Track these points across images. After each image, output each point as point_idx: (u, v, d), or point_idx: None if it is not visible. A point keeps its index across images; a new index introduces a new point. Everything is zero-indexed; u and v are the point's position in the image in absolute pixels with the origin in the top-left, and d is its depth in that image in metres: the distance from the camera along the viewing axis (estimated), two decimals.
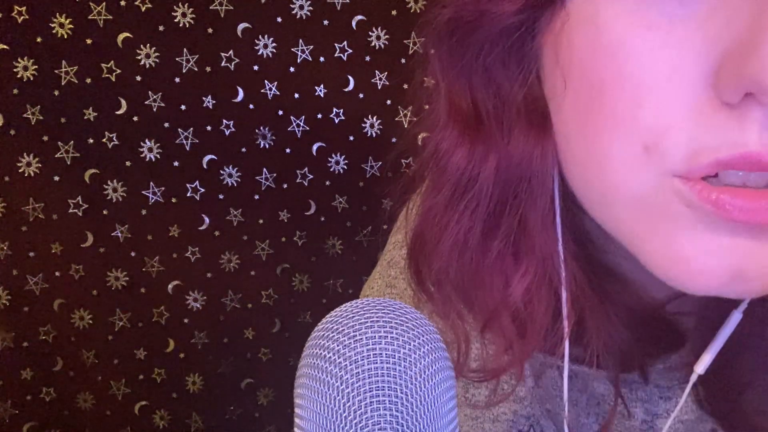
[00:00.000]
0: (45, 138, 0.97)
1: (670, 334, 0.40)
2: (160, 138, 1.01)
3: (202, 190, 1.04)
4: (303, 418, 0.27)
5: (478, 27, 0.31)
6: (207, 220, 1.06)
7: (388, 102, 1.04)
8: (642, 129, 0.26)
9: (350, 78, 1.02)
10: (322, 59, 1.01)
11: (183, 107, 1.00)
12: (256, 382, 1.15)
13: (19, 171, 0.98)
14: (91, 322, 1.07)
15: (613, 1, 0.27)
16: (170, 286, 1.08)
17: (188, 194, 1.04)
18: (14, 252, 1.01)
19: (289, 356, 1.14)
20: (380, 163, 1.07)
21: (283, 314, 1.13)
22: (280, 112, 1.02)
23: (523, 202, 0.34)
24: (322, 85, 1.02)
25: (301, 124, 1.03)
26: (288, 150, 1.04)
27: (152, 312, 1.08)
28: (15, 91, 0.95)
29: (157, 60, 0.97)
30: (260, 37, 0.99)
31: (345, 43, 1.01)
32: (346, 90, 1.03)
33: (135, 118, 0.99)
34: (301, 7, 0.98)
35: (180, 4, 0.96)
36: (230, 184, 1.04)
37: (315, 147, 1.05)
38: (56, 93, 0.96)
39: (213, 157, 1.03)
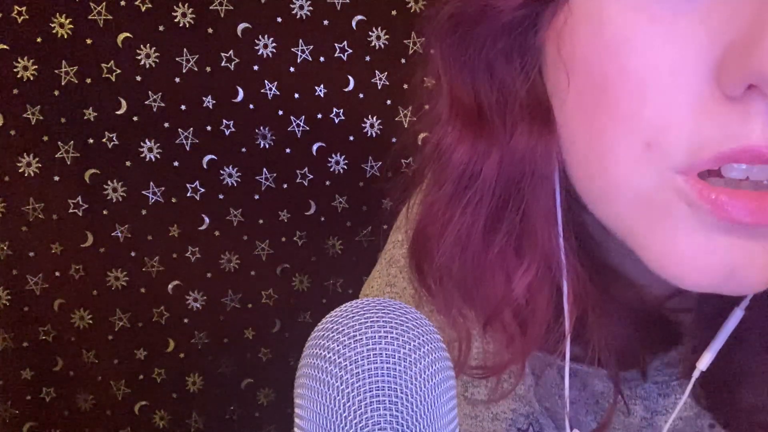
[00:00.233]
0: (45, 138, 0.97)
1: (668, 330, 0.40)
2: (160, 138, 1.01)
3: (202, 190, 1.04)
4: (303, 418, 0.27)
5: (481, 22, 0.31)
6: (207, 220, 1.06)
7: (388, 102, 1.04)
8: (644, 126, 0.26)
9: (350, 78, 1.02)
10: (322, 59, 1.01)
11: (183, 107, 1.00)
12: (256, 382, 1.15)
13: (19, 171, 0.98)
14: (91, 322, 1.07)
15: None
16: (170, 286, 1.08)
17: (188, 194, 1.04)
18: (14, 252, 1.01)
19: (289, 356, 1.14)
20: (380, 163, 1.07)
21: (283, 314, 1.13)
22: (280, 112, 1.02)
23: (526, 197, 0.34)
24: (322, 85, 1.02)
25: (301, 124, 1.03)
26: (288, 150, 1.04)
27: (152, 312, 1.08)
28: (15, 91, 0.95)
29: (157, 60, 0.97)
30: (260, 37, 0.99)
31: (345, 43, 1.01)
32: (346, 90, 1.03)
33: (135, 118, 0.99)
34: (301, 7, 0.98)
35: (180, 4, 0.96)
36: (230, 184, 1.04)
37: (315, 147, 1.05)
38: (56, 93, 0.96)
39: (213, 157, 1.03)
